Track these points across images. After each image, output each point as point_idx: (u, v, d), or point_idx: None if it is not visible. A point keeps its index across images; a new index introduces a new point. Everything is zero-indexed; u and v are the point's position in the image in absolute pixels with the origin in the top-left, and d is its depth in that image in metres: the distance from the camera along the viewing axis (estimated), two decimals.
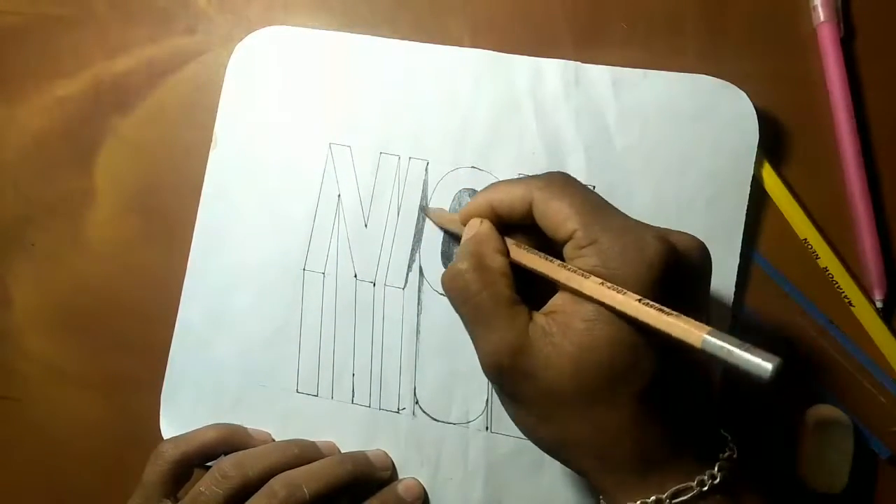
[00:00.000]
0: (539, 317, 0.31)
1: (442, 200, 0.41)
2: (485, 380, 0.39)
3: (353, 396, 0.41)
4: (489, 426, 0.40)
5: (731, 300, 0.39)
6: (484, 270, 0.32)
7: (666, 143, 0.40)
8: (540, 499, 0.39)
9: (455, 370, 0.40)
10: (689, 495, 0.29)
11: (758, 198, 0.40)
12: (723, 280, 0.39)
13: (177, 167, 0.43)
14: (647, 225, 0.31)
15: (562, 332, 0.29)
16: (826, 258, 0.40)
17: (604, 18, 0.41)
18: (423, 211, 0.40)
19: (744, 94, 0.39)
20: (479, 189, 0.40)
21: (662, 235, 0.30)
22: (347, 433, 0.40)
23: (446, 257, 0.41)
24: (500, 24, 0.42)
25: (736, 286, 0.39)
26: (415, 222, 0.41)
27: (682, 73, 0.40)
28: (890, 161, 0.40)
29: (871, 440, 0.39)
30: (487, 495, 0.39)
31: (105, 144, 0.43)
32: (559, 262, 0.31)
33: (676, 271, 0.29)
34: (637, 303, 0.27)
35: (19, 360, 0.43)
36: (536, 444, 0.32)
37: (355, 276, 0.41)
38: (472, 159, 0.41)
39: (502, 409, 0.36)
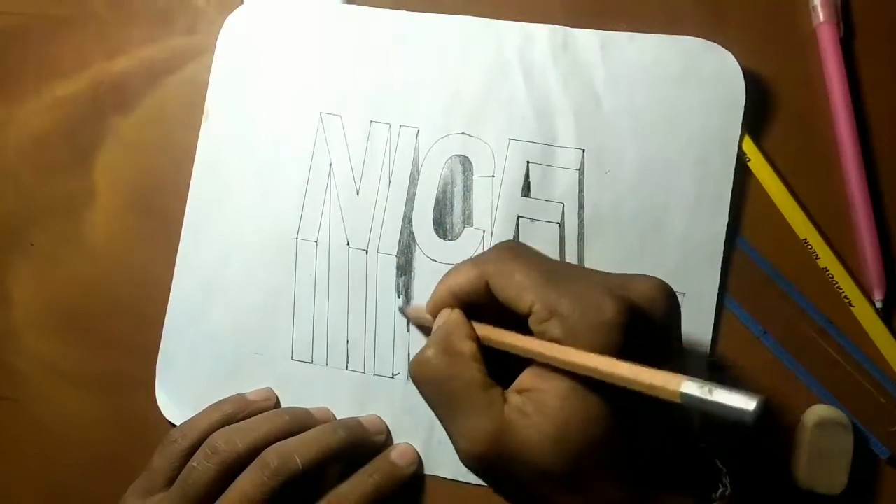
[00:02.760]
0: (514, 396, 0.30)
1: (433, 167, 0.41)
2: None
3: (347, 363, 0.41)
4: None
5: (720, 261, 0.39)
6: (453, 355, 0.31)
7: (654, 105, 0.40)
8: None
9: None
10: None
11: (758, 198, 0.40)
12: (711, 241, 0.39)
13: (177, 167, 0.43)
14: (605, 280, 0.30)
15: (539, 410, 0.29)
16: (826, 258, 0.40)
17: (603, 18, 0.41)
18: (401, 311, 0.41)
19: (729, 54, 0.40)
20: (470, 157, 0.41)
21: (620, 294, 0.29)
22: (342, 399, 0.41)
23: (437, 224, 0.41)
24: None
25: (725, 244, 0.39)
26: (406, 189, 0.41)
27: (668, 36, 0.40)
28: (890, 161, 0.40)
29: (871, 440, 0.39)
30: None
31: (105, 144, 0.43)
32: (530, 336, 0.30)
33: (640, 326, 0.29)
34: (611, 359, 0.27)
35: (19, 360, 0.43)
36: None
37: (348, 243, 0.41)
38: (463, 126, 0.41)
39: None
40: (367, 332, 0.41)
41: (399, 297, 0.41)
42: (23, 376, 0.43)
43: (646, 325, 0.29)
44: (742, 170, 0.40)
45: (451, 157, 0.41)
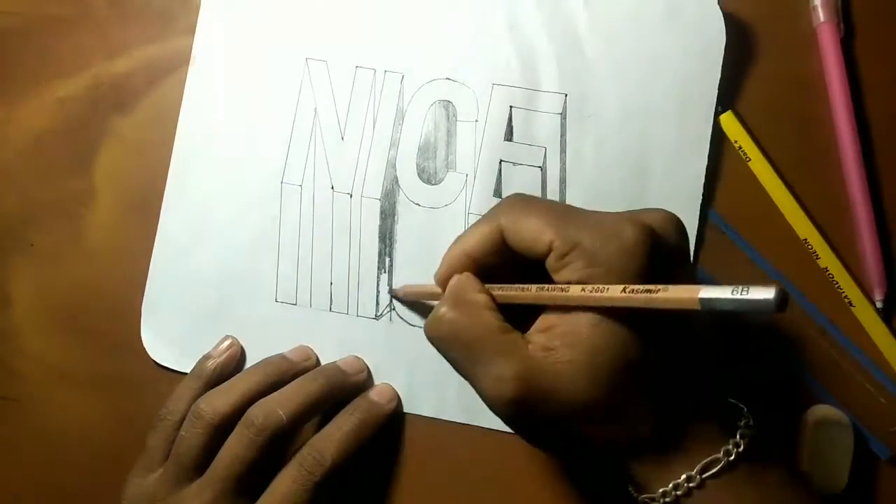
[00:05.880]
0: (536, 335, 0.30)
1: (417, 112, 0.42)
2: None
3: (331, 304, 0.41)
4: None
5: (700, 203, 0.40)
6: (466, 305, 0.31)
7: (635, 49, 0.41)
8: None
9: (430, 276, 0.41)
10: (717, 467, 0.29)
11: (758, 198, 0.40)
12: (691, 184, 0.40)
13: None
14: (620, 213, 0.30)
15: (567, 344, 0.29)
16: (826, 258, 0.40)
17: None
18: (392, 294, 0.41)
19: None
20: (453, 102, 0.41)
21: (638, 220, 0.29)
22: (326, 340, 0.41)
23: (421, 168, 0.41)
24: None
25: (704, 187, 0.40)
26: (390, 134, 0.42)
27: None
28: (890, 161, 0.40)
29: (871, 440, 0.39)
30: (462, 397, 0.40)
31: (105, 144, 0.43)
32: (536, 286, 0.30)
33: (659, 252, 0.29)
34: (622, 293, 0.27)
35: (19, 360, 0.43)
36: (561, 458, 0.31)
37: (332, 187, 0.42)
38: (447, 71, 0.42)
39: None
40: (350, 275, 0.41)
41: (381, 242, 0.41)
42: (23, 376, 0.43)
43: (663, 249, 0.29)
44: (741, 165, 0.40)
45: (435, 103, 0.42)
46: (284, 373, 0.39)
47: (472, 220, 0.41)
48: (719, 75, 0.40)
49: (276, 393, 0.38)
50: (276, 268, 0.42)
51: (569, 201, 0.41)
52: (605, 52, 0.41)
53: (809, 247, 0.40)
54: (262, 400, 0.37)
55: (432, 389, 0.41)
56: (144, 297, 0.42)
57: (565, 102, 0.41)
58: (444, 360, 0.40)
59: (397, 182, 0.41)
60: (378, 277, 0.41)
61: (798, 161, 0.41)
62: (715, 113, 0.40)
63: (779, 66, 0.41)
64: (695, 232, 0.40)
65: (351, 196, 0.42)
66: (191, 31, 0.43)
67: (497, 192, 0.41)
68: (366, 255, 0.41)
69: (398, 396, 0.41)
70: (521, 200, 0.32)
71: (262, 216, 0.42)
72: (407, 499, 0.41)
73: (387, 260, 0.41)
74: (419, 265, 0.41)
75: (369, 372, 0.41)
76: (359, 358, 0.41)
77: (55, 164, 0.44)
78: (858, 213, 0.39)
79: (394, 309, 0.41)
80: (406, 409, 0.41)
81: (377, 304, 0.41)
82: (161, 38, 0.44)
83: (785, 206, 0.40)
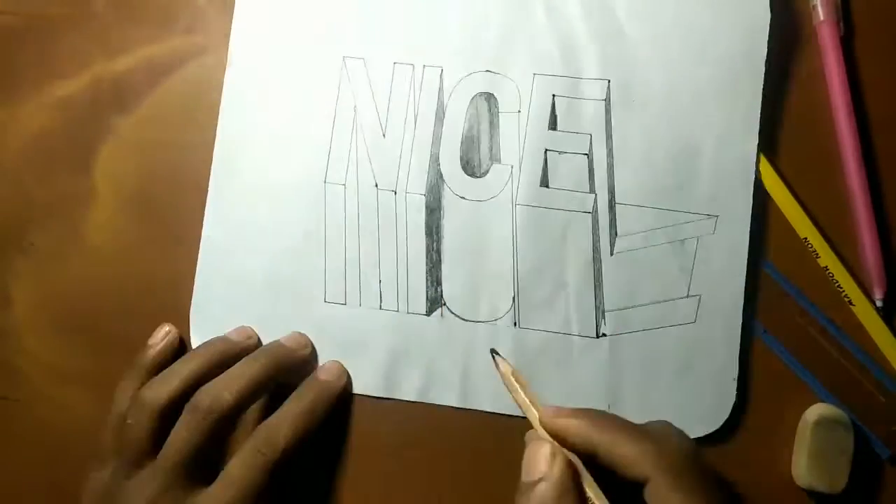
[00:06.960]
0: None
1: (459, 106, 0.41)
2: (510, 277, 0.40)
3: (380, 302, 0.41)
4: (517, 322, 0.40)
5: (753, 183, 0.40)
6: None
7: (677, 30, 0.40)
8: (568, 391, 0.40)
9: (480, 270, 0.41)
10: None
11: (758, 198, 0.40)
12: (743, 164, 0.40)
13: (177, 167, 0.43)
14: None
15: None
16: (826, 258, 0.40)
17: None
18: (492, 353, 0.37)
19: None
20: (495, 94, 0.41)
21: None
22: (378, 339, 0.41)
23: (465, 161, 0.41)
24: None
25: (756, 173, 0.40)
26: (432, 129, 0.41)
27: None
28: (890, 161, 0.40)
29: (871, 440, 0.39)
30: None
31: (105, 144, 0.43)
32: None
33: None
34: None
35: (19, 360, 0.43)
36: None
37: (376, 185, 0.41)
38: (487, 63, 0.41)
39: (530, 304, 0.40)
40: (398, 272, 0.41)
41: (428, 236, 0.41)
42: (23, 376, 0.43)
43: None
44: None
45: (476, 95, 0.41)
46: (225, 354, 0.39)
47: (520, 211, 0.40)
48: (766, 50, 0.40)
49: (221, 376, 0.37)
50: (324, 268, 0.41)
51: (618, 187, 0.40)
52: (647, 35, 0.40)
53: (809, 246, 0.40)
54: (207, 384, 0.37)
55: (488, 383, 0.40)
56: (192, 305, 0.42)
57: (609, 88, 0.40)
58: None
59: (441, 176, 0.41)
60: (427, 273, 0.41)
61: (798, 161, 0.41)
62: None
63: (778, 65, 0.41)
64: (749, 216, 0.40)
65: (395, 193, 0.41)
66: (191, 30, 0.43)
67: (544, 182, 0.41)
68: (413, 251, 0.41)
69: (347, 373, 0.40)
70: (687, 475, 0.31)
71: (307, 217, 0.42)
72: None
73: (434, 255, 0.41)
74: (467, 259, 0.41)
75: (313, 347, 0.41)
76: (301, 334, 0.41)
77: (55, 164, 0.44)
78: (858, 212, 0.39)
79: (444, 304, 0.41)
80: (463, 405, 0.40)
81: (427, 299, 0.41)
82: (161, 37, 0.44)
83: (785, 206, 0.40)
